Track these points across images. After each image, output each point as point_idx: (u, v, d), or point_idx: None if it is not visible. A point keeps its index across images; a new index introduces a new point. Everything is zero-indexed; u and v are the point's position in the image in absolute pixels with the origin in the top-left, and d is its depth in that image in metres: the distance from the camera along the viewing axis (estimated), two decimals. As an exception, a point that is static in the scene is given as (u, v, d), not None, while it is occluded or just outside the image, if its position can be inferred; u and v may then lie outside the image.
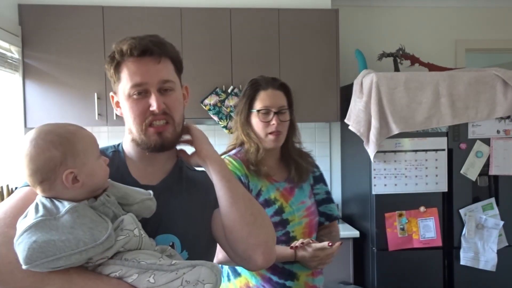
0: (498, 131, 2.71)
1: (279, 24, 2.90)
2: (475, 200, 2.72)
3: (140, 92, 1.00)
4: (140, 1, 2.84)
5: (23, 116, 2.71)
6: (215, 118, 2.86)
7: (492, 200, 2.71)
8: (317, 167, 1.72)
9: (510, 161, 2.72)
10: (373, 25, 3.44)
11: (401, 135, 2.62)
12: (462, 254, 2.67)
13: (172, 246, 1.02)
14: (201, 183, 1.13)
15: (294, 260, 1.49)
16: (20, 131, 2.69)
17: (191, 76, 2.77)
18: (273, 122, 1.52)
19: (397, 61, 3.03)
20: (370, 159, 2.63)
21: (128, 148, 1.10)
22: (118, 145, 1.13)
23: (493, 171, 2.72)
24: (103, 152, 1.09)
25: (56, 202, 0.88)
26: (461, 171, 2.70)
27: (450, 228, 2.71)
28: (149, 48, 1.00)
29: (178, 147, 1.13)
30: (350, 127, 2.71)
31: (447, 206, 2.72)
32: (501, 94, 2.66)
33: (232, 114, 2.84)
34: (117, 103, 1.08)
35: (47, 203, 0.87)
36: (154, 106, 0.99)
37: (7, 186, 2.41)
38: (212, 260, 1.14)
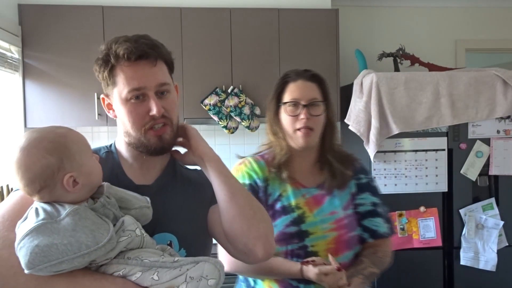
0: (498, 131, 2.71)
1: (279, 24, 2.90)
2: (475, 200, 2.72)
3: (138, 96, 1.00)
4: (140, 1, 2.84)
5: (23, 116, 2.71)
6: (215, 118, 2.86)
7: (492, 200, 2.71)
8: (364, 173, 1.49)
9: (510, 161, 2.72)
10: (373, 25, 3.44)
11: (401, 135, 2.62)
12: (462, 254, 2.67)
13: (170, 245, 1.03)
14: (195, 181, 1.14)
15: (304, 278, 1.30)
16: (20, 131, 2.69)
17: (191, 76, 2.77)
18: (302, 116, 1.35)
19: (397, 61, 3.03)
20: (370, 159, 2.63)
21: (122, 148, 1.10)
22: (111, 145, 1.13)
23: (493, 171, 2.72)
24: (96, 152, 1.09)
25: (57, 205, 0.87)
26: (461, 171, 2.70)
27: (450, 228, 2.71)
28: (145, 52, 0.99)
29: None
30: (350, 127, 2.71)
31: (447, 206, 2.72)
32: (501, 94, 2.66)
33: (232, 114, 2.84)
34: (109, 105, 1.07)
35: (47, 206, 0.87)
36: (154, 111, 0.99)
37: (7, 186, 2.41)
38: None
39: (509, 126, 2.72)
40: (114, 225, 0.90)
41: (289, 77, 1.42)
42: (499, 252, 2.67)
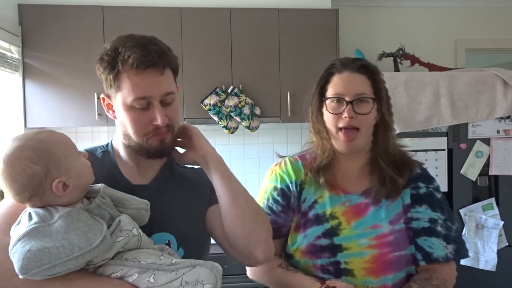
0: (498, 131, 2.71)
1: (279, 24, 2.90)
2: (475, 200, 2.72)
3: (142, 104, 0.99)
4: (140, 1, 2.84)
5: (23, 116, 2.71)
6: (215, 118, 2.86)
7: (492, 200, 2.71)
8: (425, 181, 1.24)
9: (510, 161, 2.72)
10: (373, 25, 3.44)
11: (401, 135, 2.62)
12: (462, 254, 2.67)
13: (168, 244, 1.02)
14: (192, 180, 1.13)
15: None
16: (20, 131, 2.69)
17: (191, 76, 2.77)
18: (345, 114, 1.16)
19: (397, 61, 3.03)
20: (370, 159, 2.62)
21: (119, 148, 1.10)
22: (107, 144, 1.12)
23: (493, 171, 2.71)
24: (91, 152, 1.09)
25: (50, 208, 0.87)
26: (461, 171, 2.70)
27: (450, 228, 2.71)
28: (155, 62, 0.97)
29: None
30: (350, 127, 2.70)
31: (447, 206, 2.71)
32: (501, 94, 2.66)
33: (232, 114, 2.84)
34: (109, 105, 1.06)
35: (40, 210, 0.87)
36: (159, 121, 0.99)
37: (7, 186, 2.40)
38: (207, 256, 1.14)
39: (509, 126, 2.72)
40: (111, 225, 0.89)
41: (334, 67, 1.24)
42: (499, 252, 2.67)
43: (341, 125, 1.18)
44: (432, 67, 3.01)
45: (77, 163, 0.90)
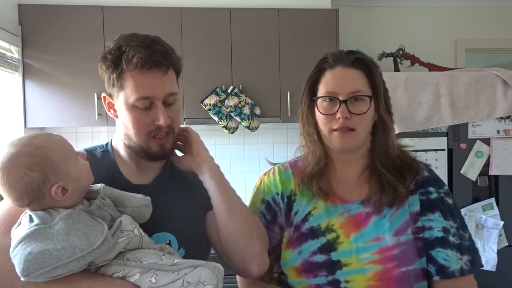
0: (498, 131, 2.71)
1: (279, 24, 2.90)
2: (475, 200, 2.72)
3: (145, 104, 0.98)
4: (140, 1, 2.84)
5: (23, 116, 2.71)
6: (215, 118, 2.86)
7: (492, 200, 2.71)
8: (435, 185, 1.10)
9: (510, 161, 2.71)
10: (373, 25, 3.44)
11: (401, 135, 2.62)
12: (462, 254, 2.67)
13: (169, 244, 1.02)
14: (192, 181, 1.13)
15: None
16: (20, 131, 2.69)
17: (191, 76, 2.77)
18: (338, 115, 1.03)
19: (397, 61, 3.03)
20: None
21: (119, 147, 1.09)
22: (106, 144, 1.12)
23: (493, 171, 2.71)
24: (90, 152, 1.08)
25: (51, 210, 0.87)
26: (461, 171, 2.69)
27: (450, 228, 2.71)
28: (159, 62, 0.97)
29: None
30: (350, 127, 2.69)
31: (447, 206, 2.71)
32: (501, 94, 2.66)
33: (232, 114, 2.84)
34: (110, 104, 1.05)
35: (40, 212, 0.86)
36: (161, 121, 0.98)
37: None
38: (208, 256, 1.14)
39: (509, 126, 2.72)
40: (112, 226, 0.89)
41: (325, 62, 1.08)
42: (499, 252, 2.67)
43: (334, 126, 1.05)
44: (432, 67, 3.01)
45: (75, 166, 0.89)
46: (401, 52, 3.03)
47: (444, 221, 1.06)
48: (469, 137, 2.70)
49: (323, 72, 1.09)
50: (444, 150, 2.69)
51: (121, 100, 1.00)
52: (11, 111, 2.71)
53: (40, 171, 0.84)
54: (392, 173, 1.07)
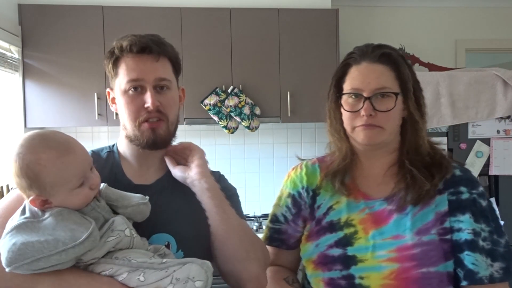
0: (498, 131, 2.71)
1: (279, 24, 2.90)
2: (475, 200, 2.72)
3: (136, 88, 1.01)
4: (140, 1, 2.84)
5: (23, 116, 2.71)
6: (215, 118, 2.86)
7: (492, 200, 2.71)
8: (468, 185, 1.04)
9: (510, 161, 2.72)
10: (373, 25, 3.44)
11: (401, 135, 2.62)
12: (462, 254, 2.67)
13: (168, 246, 1.01)
14: None
15: None
16: (20, 131, 2.69)
17: (191, 76, 2.77)
18: (362, 112, 1.01)
19: (397, 61, 3.03)
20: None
21: (123, 147, 1.10)
22: (113, 145, 1.13)
23: (493, 171, 2.71)
24: (97, 153, 1.09)
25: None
26: (461, 171, 2.70)
27: (450, 228, 2.71)
28: (149, 46, 1.00)
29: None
30: (350, 127, 2.69)
31: (447, 206, 2.71)
32: (501, 94, 2.66)
33: (232, 114, 2.84)
34: (113, 99, 1.08)
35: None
36: (148, 103, 0.99)
37: (7, 186, 2.41)
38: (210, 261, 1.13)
39: (509, 126, 2.72)
40: (104, 225, 0.89)
41: (351, 57, 1.06)
42: (499, 252, 2.67)
43: (358, 124, 1.02)
44: (432, 67, 3.01)
45: (64, 194, 0.87)
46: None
47: (475, 224, 1.00)
48: (469, 137, 2.70)
49: (349, 68, 1.06)
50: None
51: (117, 88, 1.03)
52: (11, 111, 2.71)
53: (27, 181, 0.85)
54: (420, 170, 1.03)
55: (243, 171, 3.20)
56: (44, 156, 0.84)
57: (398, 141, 1.09)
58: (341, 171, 1.09)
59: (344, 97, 1.06)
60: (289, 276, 1.17)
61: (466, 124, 2.69)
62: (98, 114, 2.73)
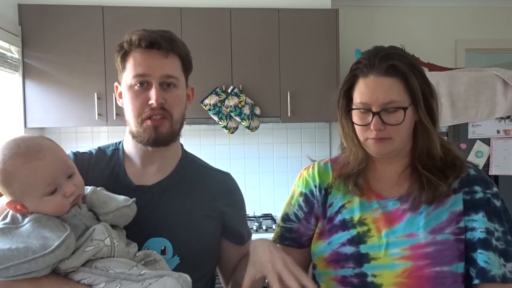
0: (498, 131, 2.71)
1: (279, 24, 2.90)
2: (475, 200, 2.72)
3: (142, 83, 0.99)
4: (140, 1, 2.84)
5: (23, 116, 2.71)
6: (215, 118, 2.86)
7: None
8: (482, 184, 1.04)
9: (510, 161, 2.72)
10: (373, 25, 3.44)
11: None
12: (462, 254, 2.67)
13: (164, 251, 1.00)
14: (207, 188, 1.10)
15: None
16: (20, 131, 2.69)
17: (191, 76, 2.76)
18: (371, 126, 1.01)
19: (397, 61, 3.02)
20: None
21: (128, 146, 1.08)
22: (120, 142, 1.11)
23: (493, 171, 2.71)
24: (102, 150, 1.08)
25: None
26: (461, 171, 2.70)
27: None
28: (158, 41, 0.99)
29: None
30: (350, 127, 2.69)
31: (447, 206, 2.71)
32: (501, 94, 2.66)
33: (232, 114, 2.84)
34: (120, 94, 1.06)
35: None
36: (152, 99, 0.98)
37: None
38: (206, 270, 1.10)
39: (509, 126, 2.72)
40: (82, 235, 0.88)
41: (359, 69, 1.05)
42: (499, 252, 2.67)
43: (370, 136, 1.03)
44: (432, 67, 3.01)
45: (34, 200, 0.86)
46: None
47: (488, 223, 1.00)
48: (469, 137, 2.70)
49: (357, 80, 1.05)
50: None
51: (123, 82, 1.02)
52: (11, 111, 2.71)
53: (1, 181, 0.86)
54: (434, 173, 1.04)
55: (243, 171, 3.20)
56: (10, 161, 0.85)
57: (410, 145, 1.09)
58: (355, 175, 1.10)
59: (353, 110, 1.06)
60: None
61: (466, 124, 2.69)
62: (98, 114, 2.73)
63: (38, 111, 2.73)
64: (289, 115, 2.87)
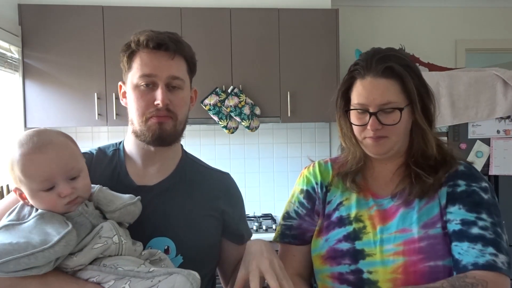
0: (498, 131, 2.71)
1: (279, 24, 2.90)
2: (475, 200, 2.72)
3: (148, 84, 0.99)
4: (140, 1, 2.84)
5: (23, 116, 2.71)
6: (215, 118, 2.86)
7: (492, 200, 2.71)
8: (467, 178, 1.07)
9: (510, 161, 2.72)
10: (373, 25, 3.44)
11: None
12: (462, 254, 2.67)
13: (167, 250, 1.00)
14: (208, 188, 1.10)
15: None
16: (20, 131, 2.69)
17: (191, 76, 2.77)
18: (368, 126, 1.04)
19: (397, 61, 3.03)
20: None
21: (129, 145, 1.08)
22: (120, 143, 1.11)
23: (493, 171, 2.71)
24: (103, 150, 1.08)
25: (32, 208, 0.88)
26: (461, 171, 2.70)
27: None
28: (165, 43, 1.00)
29: None
30: (350, 127, 2.69)
31: (447, 206, 2.71)
32: (501, 94, 2.66)
33: (232, 114, 2.84)
34: (124, 94, 1.06)
35: (25, 207, 0.88)
36: (158, 100, 0.98)
37: (7, 186, 2.41)
38: (207, 270, 1.10)
39: (509, 126, 2.72)
40: (89, 233, 0.88)
41: (356, 71, 1.08)
42: (499, 252, 2.67)
43: (367, 135, 1.06)
44: (432, 67, 3.01)
45: (31, 193, 0.88)
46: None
47: (466, 213, 1.01)
48: (469, 137, 2.70)
49: (355, 81, 1.08)
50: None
51: (129, 81, 1.02)
52: (11, 111, 2.71)
53: (8, 171, 0.88)
54: (424, 169, 1.06)
55: (243, 171, 3.20)
56: (17, 149, 0.87)
57: (406, 144, 1.12)
58: (353, 173, 1.13)
59: (351, 111, 1.09)
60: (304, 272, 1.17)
61: (466, 124, 2.69)
62: (98, 114, 2.73)
63: (38, 111, 2.73)
64: (289, 115, 2.87)
